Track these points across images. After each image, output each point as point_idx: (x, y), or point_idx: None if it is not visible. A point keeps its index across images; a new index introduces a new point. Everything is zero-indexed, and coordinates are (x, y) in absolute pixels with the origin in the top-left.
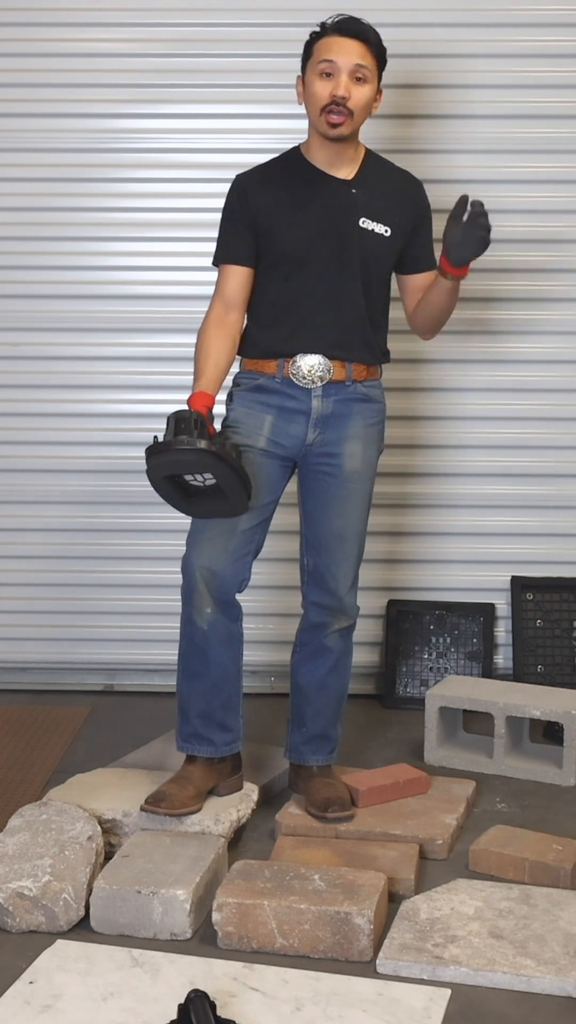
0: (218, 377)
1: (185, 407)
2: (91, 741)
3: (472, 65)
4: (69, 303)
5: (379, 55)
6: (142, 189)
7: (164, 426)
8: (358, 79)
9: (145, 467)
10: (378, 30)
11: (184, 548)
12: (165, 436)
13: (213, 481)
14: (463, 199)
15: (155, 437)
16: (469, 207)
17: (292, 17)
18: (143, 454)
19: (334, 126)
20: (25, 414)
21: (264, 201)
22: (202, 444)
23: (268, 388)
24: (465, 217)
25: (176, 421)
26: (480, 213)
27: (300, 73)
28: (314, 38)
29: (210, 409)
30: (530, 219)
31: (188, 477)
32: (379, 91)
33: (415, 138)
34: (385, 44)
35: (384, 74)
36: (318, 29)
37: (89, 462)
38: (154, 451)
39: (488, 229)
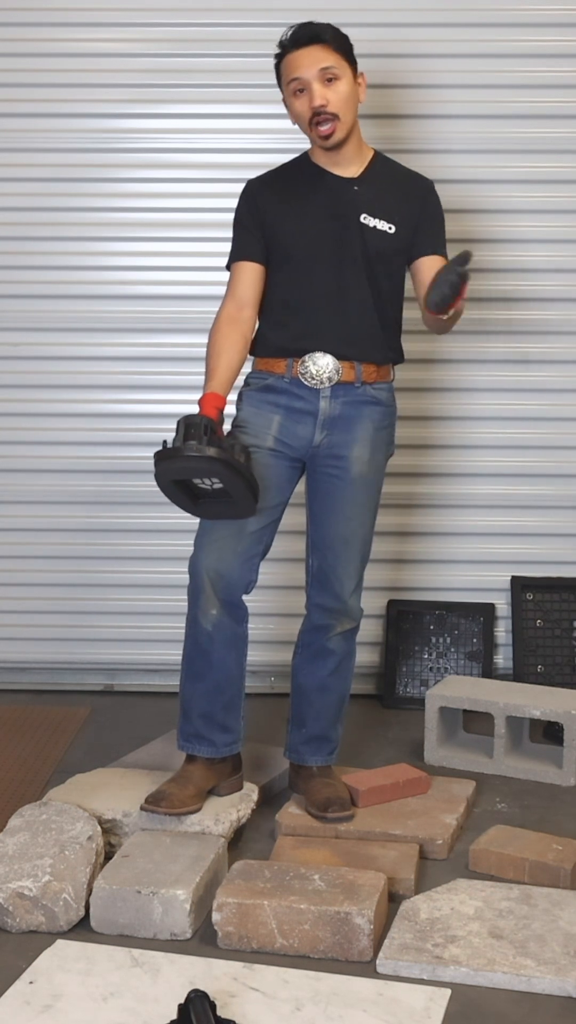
0: (230, 377)
1: (195, 411)
2: (91, 741)
3: (473, 65)
4: (69, 303)
5: (340, 47)
6: (142, 189)
7: (163, 425)
8: (328, 80)
9: (153, 470)
10: (378, 31)
11: (188, 547)
12: (174, 441)
13: (221, 484)
14: (463, 253)
15: (164, 441)
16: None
17: (291, 17)
18: (144, 454)
19: (326, 137)
20: (25, 414)
21: (270, 200)
22: (211, 451)
23: (277, 388)
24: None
25: (186, 426)
26: (460, 262)
27: (282, 96)
28: (279, 59)
29: (221, 411)
30: (530, 219)
31: (196, 480)
32: (359, 75)
33: (416, 138)
34: (385, 44)
35: (384, 74)
36: (279, 50)
37: (89, 462)
38: (163, 456)
39: (461, 276)
